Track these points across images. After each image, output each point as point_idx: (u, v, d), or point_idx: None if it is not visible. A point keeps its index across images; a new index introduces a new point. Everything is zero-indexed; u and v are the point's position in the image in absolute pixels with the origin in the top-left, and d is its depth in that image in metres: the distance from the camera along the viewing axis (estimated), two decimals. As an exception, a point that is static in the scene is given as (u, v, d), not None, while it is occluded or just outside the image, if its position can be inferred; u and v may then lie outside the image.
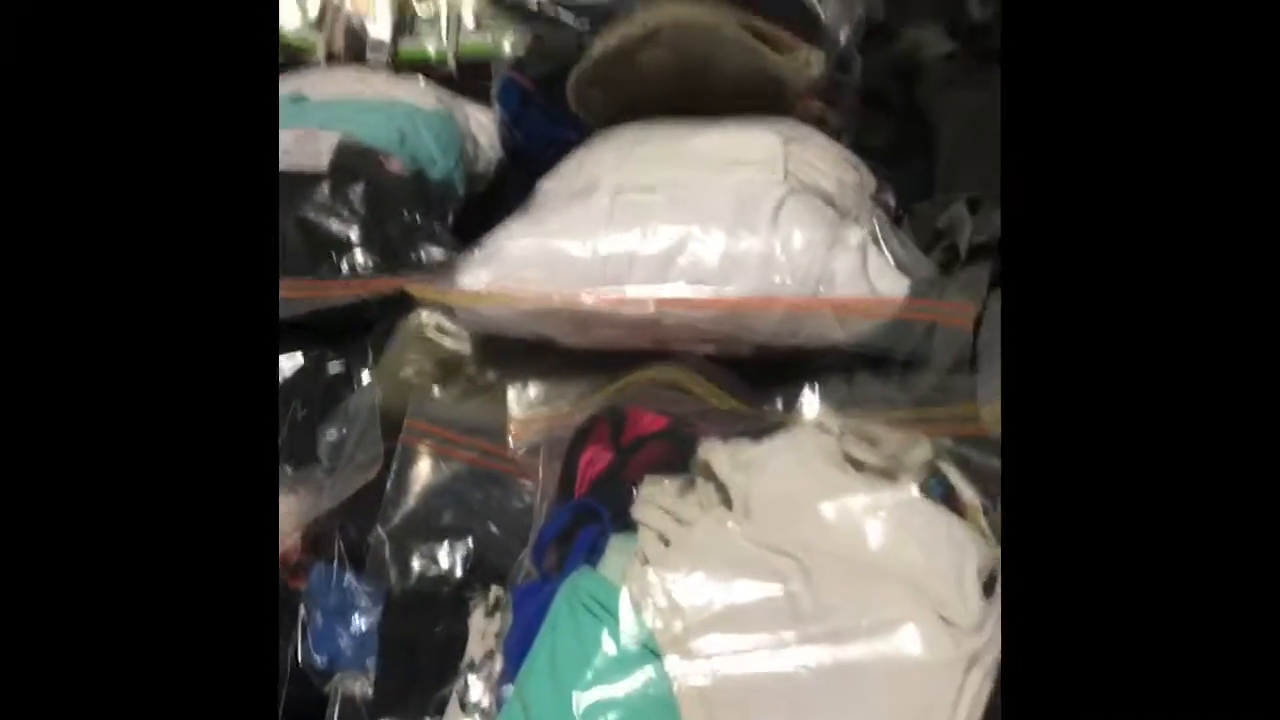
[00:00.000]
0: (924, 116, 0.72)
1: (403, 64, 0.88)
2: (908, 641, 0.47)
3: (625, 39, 0.64)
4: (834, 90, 0.71)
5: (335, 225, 0.66)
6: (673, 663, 0.48)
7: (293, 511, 0.60)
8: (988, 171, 0.66)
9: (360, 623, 0.58)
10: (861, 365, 0.61)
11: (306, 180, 0.67)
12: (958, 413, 0.58)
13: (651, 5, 0.65)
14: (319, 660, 0.58)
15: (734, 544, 0.51)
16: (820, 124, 0.71)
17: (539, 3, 0.66)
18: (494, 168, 0.79)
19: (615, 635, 0.50)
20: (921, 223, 0.66)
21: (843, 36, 0.68)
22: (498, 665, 0.55)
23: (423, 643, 0.57)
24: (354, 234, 0.66)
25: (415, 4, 0.89)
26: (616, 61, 0.66)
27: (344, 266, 0.66)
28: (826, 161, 0.64)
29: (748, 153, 0.63)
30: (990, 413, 0.57)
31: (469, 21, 0.87)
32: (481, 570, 0.59)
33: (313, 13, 0.90)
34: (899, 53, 0.75)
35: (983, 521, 0.53)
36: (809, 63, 0.66)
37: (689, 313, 0.59)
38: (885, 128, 0.77)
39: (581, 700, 0.48)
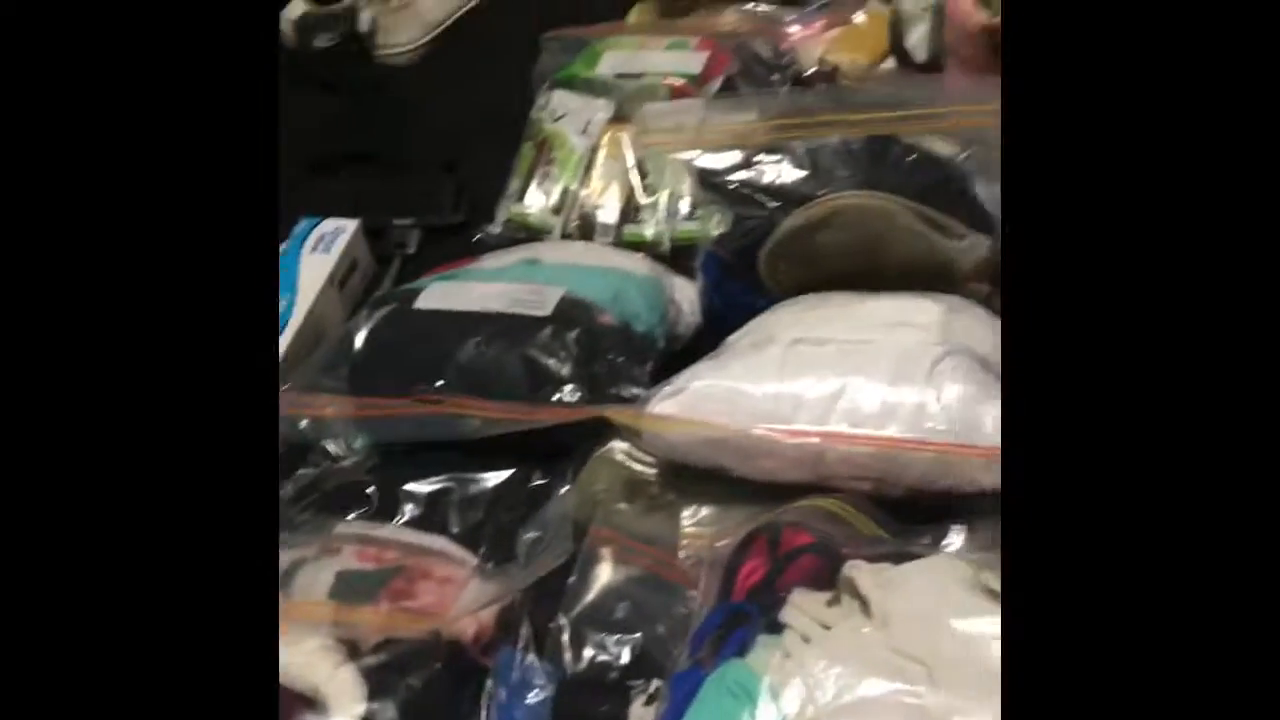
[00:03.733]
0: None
1: (625, 244, 1.02)
2: (1022, 744, 0.51)
3: (809, 219, 0.75)
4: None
5: (552, 362, 0.78)
6: (803, 742, 0.53)
7: (489, 597, 0.70)
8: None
9: (536, 698, 0.66)
10: (1007, 512, 0.66)
11: (533, 324, 0.80)
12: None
13: (834, 192, 0.75)
14: (498, 728, 0.65)
15: (868, 647, 0.57)
16: (988, 304, 0.79)
17: (738, 184, 0.78)
18: (693, 330, 0.90)
19: (753, 716, 0.56)
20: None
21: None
22: (651, 749, 0.62)
23: (588, 721, 0.64)
24: (567, 370, 0.77)
25: (639, 195, 1.03)
26: (800, 238, 0.76)
27: (556, 396, 0.77)
28: (984, 330, 0.72)
29: (912, 317, 0.71)
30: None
31: (684, 210, 1.00)
32: (645, 664, 0.66)
33: (553, 200, 1.06)
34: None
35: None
36: (974, 245, 0.75)
37: (848, 448, 0.67)
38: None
39: (718, 768, 0.54)
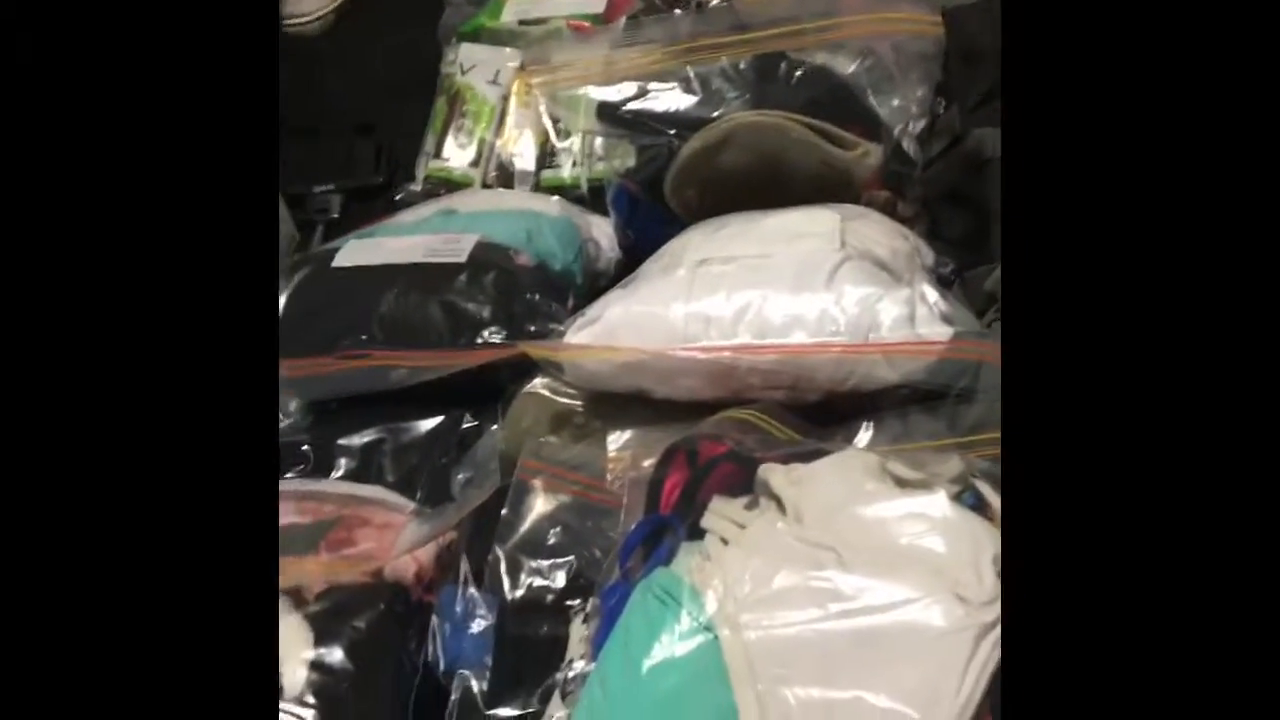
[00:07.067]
0: (986, 205, 0.80)
1: (544, 189, 1.03)
2: (926, 614, 0.54)
3: (706, 142, 0.76)
4: (900, 181, 0.81)
5: (471, 306, 0.80)
6: (723, 634, 0.56)
7: (425, 538, 0.72)
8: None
9: (479, 627, 0.68)
10: (915, 405, 0.69)
11: (450, 271, 0.81)
12: (995, 438, 0.64)
13: (728, 113, 0.77)
14: (444, 660, 0.68)
15: (781, 541, 0.59)
16: (890, 212, 0.81)
17: (634, 114, 0.79)
18: (614, 267, 0.92)
19: (678, 617, 0.58)
20: (974, 287, 0.74)
21: (897, 132, 0.78)
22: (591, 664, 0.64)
23: (531, 644, 0.67)
24: (486, 312, 0.79)
25: (554, 139, 1.05)
26: (701, 163, 0.78)
27: (477, 339, 0.79)
28: (880, 233, 0.74)
29: (810, 227, 0.73)
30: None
31: (599, 149, 1.02)
32: (582, 584, 0.68)
33: (471, 153, 1.08)
34: (968, 153, 0.84)
35: (1008, 525, 0.59)
36: (868, 153, 0.77)
37: (756, 358, 0.69)
38: (960, 220, 0.86)
39: (647, 666, 0.57)
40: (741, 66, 0.79)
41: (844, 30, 0.80)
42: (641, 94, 0.80)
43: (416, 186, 1.08)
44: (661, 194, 0.82)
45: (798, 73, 0.78)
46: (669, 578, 0.60)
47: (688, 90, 0.79)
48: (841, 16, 0.79)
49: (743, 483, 0.65)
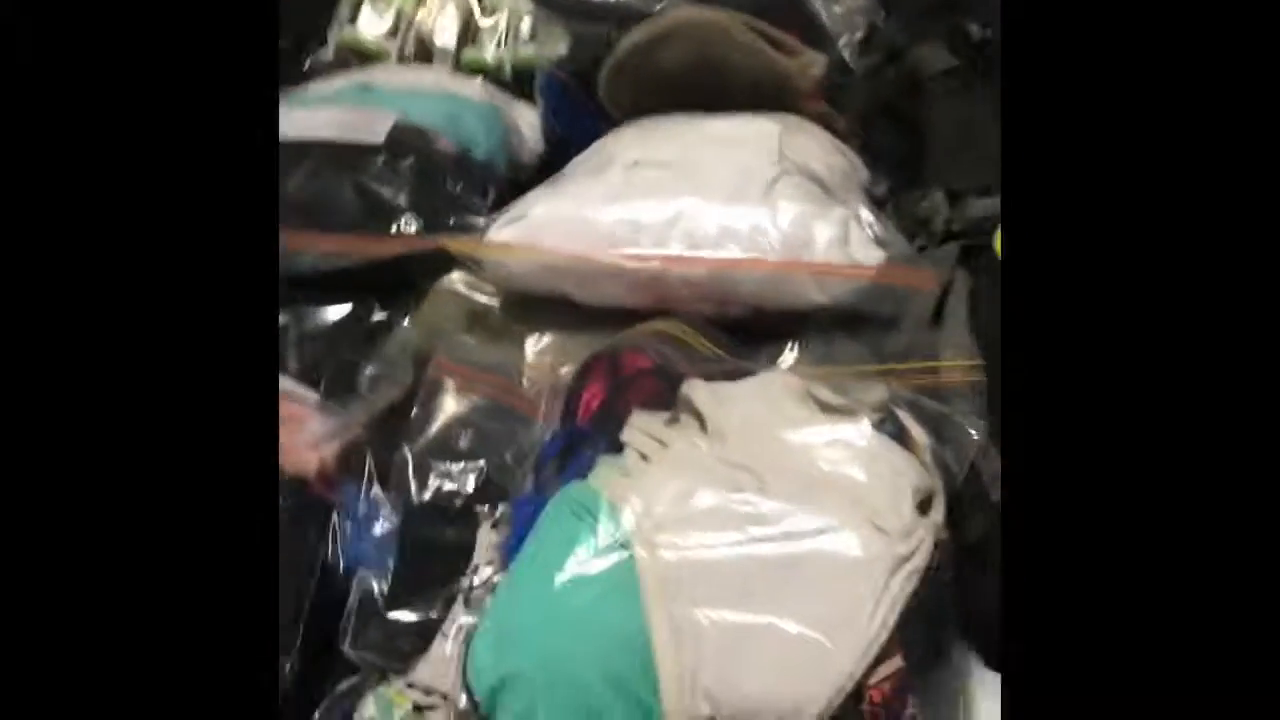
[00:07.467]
0: (921, 125, 0.79)
1: (464, 69, 0.98)
2: (842, 542, 0.54)
3: (647, 36, 0.73)
4: (839, 93, 0.79)
5: (387, 191, 0.75)
6: (639, 553, 0.55)
7: (330, 433, 0.69)
8: (970, 170, 0.74)
9: (383, 529, 0.66)
10: (840, 328, 0.68)
11: (365, 152, 0.77)
12: (919, 368, 0.64)
13: (671, 8, 0.73)
14: (344, 560, 0.66)
15: (702, 461, 0.58)
16: (828, 125, 0.79)
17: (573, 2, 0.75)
18: (538, 159, 0.88)
19: (593, 531, 0.57)
20: (906, 210, 0.73)
21: (843, 43, 0.76)
22: (499, 571, 0.63)
23: (436, 548, 0.65)
24: (403, 199, 0.75)
25: (478, 17, 0.99)
26: (640, 58, 0.74)
27: (392, 228, 0.75)
28: (819, 148, 0.72)
29: (749, 136, 0.70)
30: (948, 361, 0.63)
31: (525, 31, 0.96)
32: (492, 490, 0.66)
33: (388, 24, 1.01)
34: (907, 69, 0.82)
35: (927, 456, 0.59)
36: (811, 63, 0.74)
37: (686, 270, 0.67)
38: (894, 136, 0.84)
39: (559, 580, 0.56)
40: (689, -40, 0.75)
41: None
42: (582, -22, 0.76)
43: (327, 54, 1.02)
44: (594, 87, 0.78)
45: (745, -28, 0.75)
46: (586, 491, 0.59)
47: (632, -21, 0.75)
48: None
49: (664, 397, 0.64)
